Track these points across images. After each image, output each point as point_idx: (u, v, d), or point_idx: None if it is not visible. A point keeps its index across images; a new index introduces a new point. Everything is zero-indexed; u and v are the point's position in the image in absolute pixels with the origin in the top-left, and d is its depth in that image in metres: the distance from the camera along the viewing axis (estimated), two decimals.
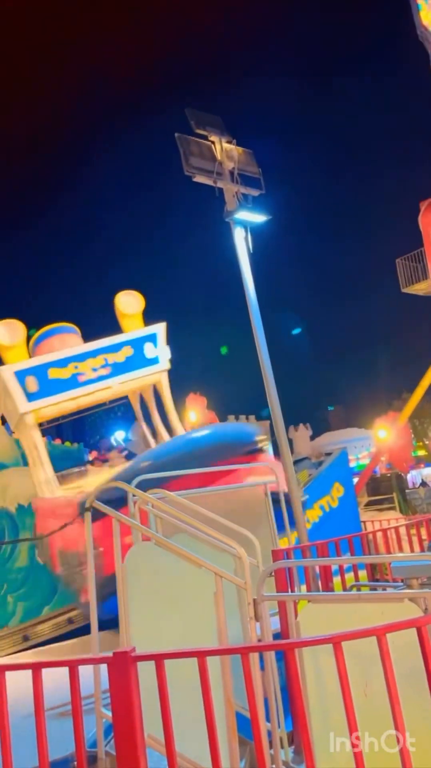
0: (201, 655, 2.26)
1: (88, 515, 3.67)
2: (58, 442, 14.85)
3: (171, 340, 10.79)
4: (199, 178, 7.18)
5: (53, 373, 9.57)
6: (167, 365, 10.45)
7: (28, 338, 10.50)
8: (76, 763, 2.96)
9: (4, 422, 14.04)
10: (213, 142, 7.34)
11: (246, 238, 7.37)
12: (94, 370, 9.77)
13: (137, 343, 10.24)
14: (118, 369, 10.01)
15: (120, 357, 10.06)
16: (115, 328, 10.79)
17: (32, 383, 9.22)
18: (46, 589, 12.48)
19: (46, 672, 2.28)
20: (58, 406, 9.66)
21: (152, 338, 10.37)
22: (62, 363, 9.63)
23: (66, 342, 10.28)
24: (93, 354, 9.91)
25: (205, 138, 7.34)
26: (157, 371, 10.34)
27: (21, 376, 9.30)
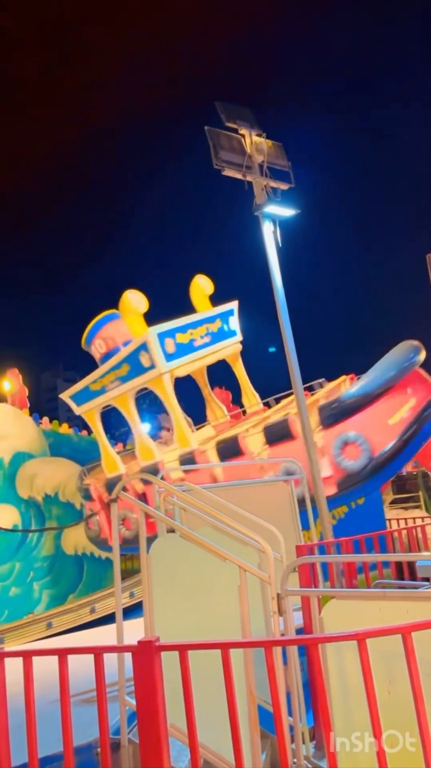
0: (224, 647, 2.27)
1: (114, 506, 3.71)
2: (84, 433, 15.04)
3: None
4: (229, 172, 7.13)
5: (179, 338, 10.56)
6: (241, 337, 11.86)
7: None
8: (99, 749, 3.01)
9: (32, 413, 14.25)
10: (243, 135, 7.27)
11: (274, 232, 7.32)
12: (201, 337, 10.95)
13: (224, 317, 11.55)
14: (215, 338, 11.25)
15: (214, 327, 11.31)
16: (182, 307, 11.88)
17: (170, 345, 10.20)
18: (71, 578, 12.68)
19: (70, 659, 2.31)
20: (185, 368, 10.70)
21: (231, 313, 11.74)
22: (183, 329, 10.68)
23: (118, 328, 11.28)
24: (200, 323, 11.10)
25: (235, 131, 7.29)
26: (237, 342, 11.81)
27: (161, 337, 10.22)
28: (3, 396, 14.54)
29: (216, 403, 12.52)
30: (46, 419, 14.40)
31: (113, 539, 3.68)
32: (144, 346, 10.12)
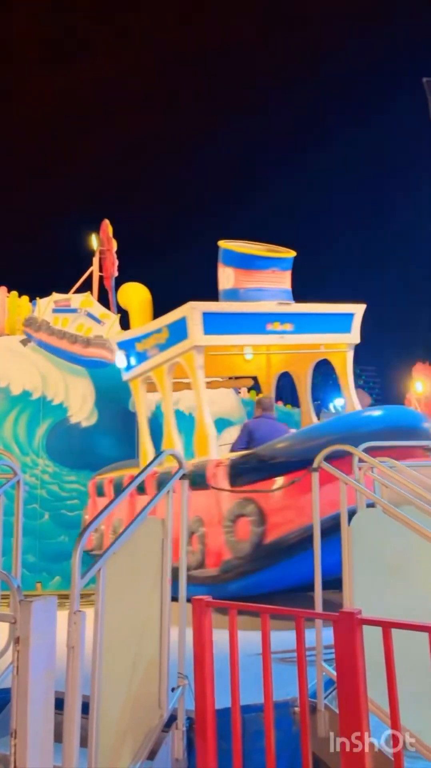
0: None
1: (316, 475, 3.70)
2: (279, 404, 15.35)
3: None
4: None
5: (246, 307, 8.19)
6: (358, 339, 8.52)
7: None
8: (297, 708, 3.08)
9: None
10: None
11: None
12: (281, 323, 8.20)
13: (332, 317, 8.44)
14: (300, 328, 8.29)
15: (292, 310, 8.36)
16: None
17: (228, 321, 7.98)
18: None
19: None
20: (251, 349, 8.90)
21: (350, 317, 8.42)
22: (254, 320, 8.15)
23: None
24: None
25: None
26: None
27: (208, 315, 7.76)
28: None
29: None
30: (244, 389, 14.93)
31: (314, 512, 3.69)
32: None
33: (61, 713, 2.15)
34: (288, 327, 7.72)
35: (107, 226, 14.12)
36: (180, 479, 3.32)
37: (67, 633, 2.16)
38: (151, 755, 2.78)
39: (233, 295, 7.95)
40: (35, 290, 13.04)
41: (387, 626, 2.16)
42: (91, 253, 14.07)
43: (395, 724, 2.10)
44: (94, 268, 13.87)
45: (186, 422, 13.39)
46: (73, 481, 11.64)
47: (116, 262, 13.93)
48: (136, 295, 9.67)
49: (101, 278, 13.90)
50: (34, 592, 10.61)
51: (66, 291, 12.83)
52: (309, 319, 7.96)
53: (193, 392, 7.73)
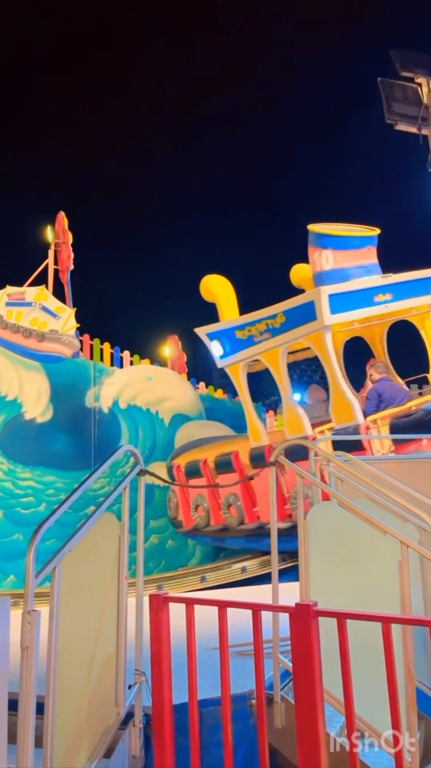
0: (385, 621, 2.20)
1: (273, 469, 3.73)
2: (238, 399, 15.42)
3: None
4: (402, 126, 6.63)
5: (350, 286, 8.82)
6: None
7: None
8: (253, 700, 3.10)
9: (189, 379, 14.85)
10: (420, 84, 6.67)
11: None
12: (383, 293, 8.90)
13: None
14: (397, 295, 9.02)
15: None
16: None
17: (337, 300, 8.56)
18: None
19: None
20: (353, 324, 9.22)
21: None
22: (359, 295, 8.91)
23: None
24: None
25: (411, 80, 6.71)
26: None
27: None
28: (164, 361, 15.28)
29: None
30: (202, 384, 14.93)
31: (271, 501, 3.72)
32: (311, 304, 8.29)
33: (15, 714, 2.11)
34: (388, 297, 8.47)
35: (63, 218, 13.88)
36: (138, 475, 3.30)
37: (21, 633, 2.12)
38: (108, 753, 2.76)
39: (337, 274, 8.51)
40: None
41: (342, 617, 2.20)
42: (47, 246, 13.82)
43: (349, 713, 2.14)
44: (50, 261, 13.61)
45: (144, 417, 13.31)
46: (27, 478, 11.44)
47: (72, 255, 13.71)
48: (221, 288, 10.09)
49: (56, 271, 13.65)
50: None
51: (20, 284, 12.54)
52: (404, 286, 8.62)
53: (325, 367, 8.34)
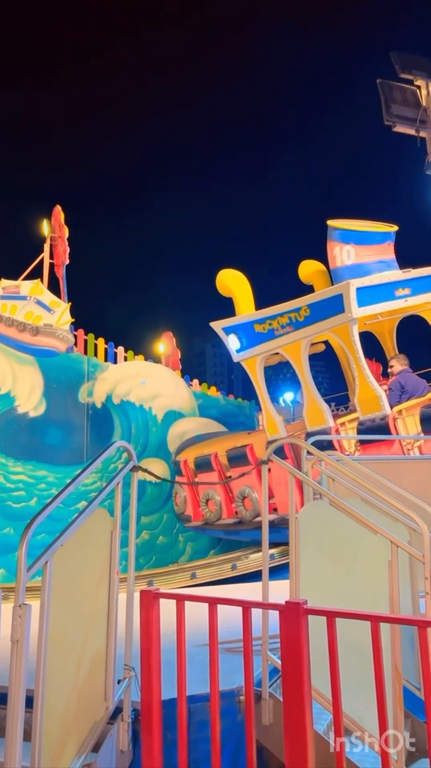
0: (374, 619, 2.21)
1: (265, 468, 3.75)
2: (231, 397, 15.42)
3: None
4: (400, 128, 6.65)
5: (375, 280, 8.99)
6: None
7: None
8: (242, 697, 3.12)
9: (183, 376, 14.85)
10: (419, 87, 6.69)
11: None
12: (403, 287, 9.07)
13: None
14: (416, 289, 9.15)
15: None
16: None
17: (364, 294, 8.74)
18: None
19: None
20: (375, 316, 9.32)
21: None
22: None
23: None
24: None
25: (411, 83, 6.72)
26: None
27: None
28: (158, 357, 15.27)
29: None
30: (196, 381, 14.93)
31: (263, 499, 3.73)
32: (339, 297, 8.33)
33: (4, 708, 2.12)
34: (407, 291, 8.61)
35: (59, 212, 13.84)
36: (131, 471, 3.31)
37: (11, 626, 2.12)
38: (96, 747, 2.77)
39: (359, 268, 8.67)
40: None
41: (331, 616, 2.21)
42: (42, 240, 13.78)
43: (337, 711, 2.16)
44: (45, 255, 13.57)
45: (137, 413, 13.29)
46: (19, 472, 11.41)
47: (68, 250, 13.68)
48: (237, 283, 10.10)
49: (52, 266, 13.62)
50: None
51: (15, 277, 12.50)
52: (421, 281, 8.75)
53: (352, 360, 8.40)
